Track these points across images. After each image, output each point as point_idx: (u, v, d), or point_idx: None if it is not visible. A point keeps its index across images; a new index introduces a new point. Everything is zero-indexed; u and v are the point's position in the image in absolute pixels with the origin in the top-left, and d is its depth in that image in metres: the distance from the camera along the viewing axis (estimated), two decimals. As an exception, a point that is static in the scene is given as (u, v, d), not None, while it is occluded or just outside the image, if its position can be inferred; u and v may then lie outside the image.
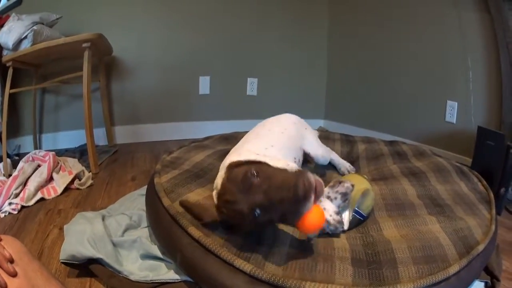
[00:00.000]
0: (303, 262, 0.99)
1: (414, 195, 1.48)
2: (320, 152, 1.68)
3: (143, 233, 1.42)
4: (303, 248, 1.06)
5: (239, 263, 0.98)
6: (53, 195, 1.92)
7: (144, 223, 1.50)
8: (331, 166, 1.86)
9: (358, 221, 1.22)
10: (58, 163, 2.10)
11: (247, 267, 0.97)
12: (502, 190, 2.05)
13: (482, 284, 1.28)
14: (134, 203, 1.71)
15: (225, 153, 1.50)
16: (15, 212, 1.74)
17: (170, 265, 1.24)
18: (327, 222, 1.10)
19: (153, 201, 1.37)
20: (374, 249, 1.07)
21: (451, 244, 1.10)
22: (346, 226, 1.14)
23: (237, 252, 1.03)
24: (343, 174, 1.78)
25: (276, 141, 1.42)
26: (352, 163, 1.97)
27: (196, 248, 1.07)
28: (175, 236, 1.16)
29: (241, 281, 0.97)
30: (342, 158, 1.97)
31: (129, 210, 1.59)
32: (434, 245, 1.09)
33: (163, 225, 1.24)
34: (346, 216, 1.16)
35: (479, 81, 2.60)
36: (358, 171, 1.88)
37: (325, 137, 2.27)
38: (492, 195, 1.59)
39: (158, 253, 1.28)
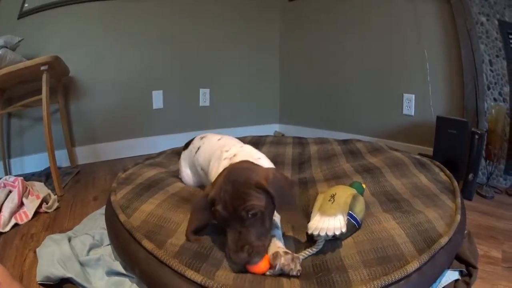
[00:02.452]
0: (253, 276, 1.00)
1: (367, 193, 1.47)
2: None
3: (106, 251, 1.44)
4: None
5: (189, 274, 0.99)
6: (25, 220, 1.92)
7: (106, 241, 1.51)
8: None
9: (353, 227, 1.17)
10: (27, 187, 2.10)
11: (197, 277, 0.97)
12: (471, 176, 2.08)
13: (456, 273, 1.27)
14: (96, 222, 1.74)
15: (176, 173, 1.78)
16: (-5, 239, 1.76)
17: (133, 279, 1.25)
18: (280, 264, 1.03)
19: (111, 218, 1.40)
20: (321, 260, 1.06)
21: (408, 241, 1.10)
22: (344, 229, 1.10)
23: (188, 263, 1.04)
24: None
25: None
26: (303, 164, 1.98)
27: (151, 261, 1.09)
28: (132, 251, 1.17)
29: (193, 291, 0.97)
30: (292, 160, 2.04)
31: (92, 230, 1.61)
32: (387, 246, 1.08)
33: (121, 240, 1.26)
34: (342, 220, 1.12)
35: (437, 72, 2.65)
36: (310, 172, 1.86)
37: (277, 142, 2.31)
38: (455, 183, 1.59)
39: (121, 269, 1.29)
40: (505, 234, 1.68)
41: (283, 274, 1.02)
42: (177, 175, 1.82)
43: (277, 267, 1.01)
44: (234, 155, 1.36)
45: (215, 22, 3.56)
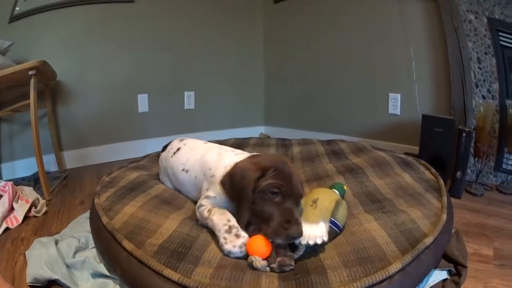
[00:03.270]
0: (231, 274, 1.00)
1: (349, 194, 1.47)
2: None
3: (91, 253, 1.45)
4: (233, 262, 1.07)
5: (167, 272, 1.00)
6: (15, 224, 1.93)
7: (92, 244, 1.52)
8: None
9: (335, 233, 1.17)
10: (17, 192, 2.11)
11: (174, 276, 0.98)
12: (459, 173, 2.07)
13: (444, 272, 1.26)
14: (82, 226, 1.75)
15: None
16: (-12, 243, 1.78)
17: (116, 281, 1.27)
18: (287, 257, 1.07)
19: (94, 220, 1.41)
20: (300, 262, 1.06)
21: (391, 242, 1.09)
22: (326, 238, 1.09)
23: (166, 262, 1.05)
24: None
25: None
26: None
27: (131, 261, 1.10)
28: (114, 252, 1.19)
29: (171, 289, 0.98)
30: None
31: (78, 233, 1.62)
32: (368, 247, 1.07)
33: (103, 242, 1.28)
34: (324, 228, 1.12)
35: (424, 71, 2.65)
36: None
37: (260, 143, 2.31)
38: (441, 182, 1.58)
39: (105, 271, 1.31)
40: (496, 231, 1.67)
41: (267, 270, 1.04)
42: (159, 178, 1.82)
43: (276, 259, 1.05)
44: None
45: (200, 25, 3.56)
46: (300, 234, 1.06)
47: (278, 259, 1.05)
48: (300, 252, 1.09)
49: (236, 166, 1.24)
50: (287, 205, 1.11)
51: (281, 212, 1.10)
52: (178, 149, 1.66)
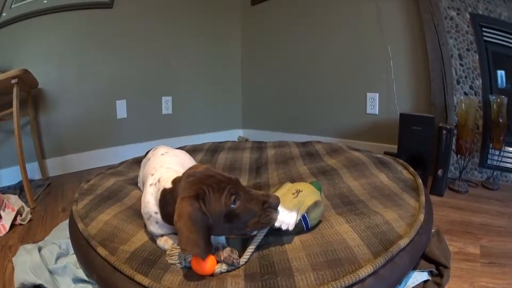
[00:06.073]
0: (198, 280, 1.01)
1: (322, 196, 1.43)
2: None
3: (71, 259, 1.47)
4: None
5: (138, 278, 1.02)
6: (3, 232, 1.95)
7: (72, 250, 1.53)
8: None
9: (301, 229, 1.16)
10: (3, 201, 2.12)
11: (145, 281, 1.00)
12: (440, 171, 2.07)
13: (425, 273, 1.24)
14: (63, 233, 1.76)
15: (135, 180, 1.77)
16: (-21, 251, 1.80)
17: (95, 286, 1.28)
18: (223, 257, 1.06)
19: (72, 228, 1.43)
20: (268, 260, 1.05)
21: (363, 244, 1.07)
22: (291, 228, 1.10)
23: (137, 268, 1.07)
24: None
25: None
26: (259, 169, 1.97)
27: (106, 267, 1.12)
28: (90, 257, 1.21)
29: (142, 294, 1.00)
30: (250, 166, 2.02)
31: (59, 240, 1.65)
32: (338, 249, 1.05)
33: (80, 248, 1.30)
34: (294, 218, 1.11)
35: (402, 69, 2.66)
36: (266, 177, 1.83)
37: (235, 147, 2.30)
38: (419, 181, 1.55)
39: (84, 276, 1.33)
40: (482, 228, 1.65)
41: (230, 269, 1.05)
42: (134, 182, 1.82)
43: (222, 259, 1.05)
44: (159, 180, 1.23)
45: (176, 30, 3.57)
46: (277, 201, 1.05)
47: (224, 255, 1.05)
48: (257, 241, 1.10)
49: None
50: (246, 197, 1.04)
51: (251, 204, 1.04)
52: (149, 159, 1.59)
